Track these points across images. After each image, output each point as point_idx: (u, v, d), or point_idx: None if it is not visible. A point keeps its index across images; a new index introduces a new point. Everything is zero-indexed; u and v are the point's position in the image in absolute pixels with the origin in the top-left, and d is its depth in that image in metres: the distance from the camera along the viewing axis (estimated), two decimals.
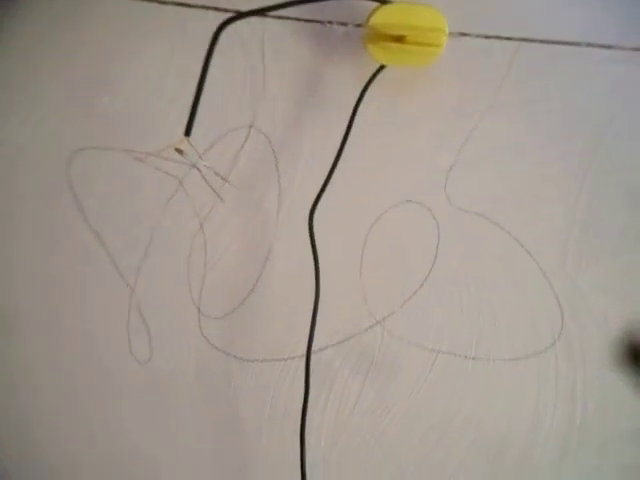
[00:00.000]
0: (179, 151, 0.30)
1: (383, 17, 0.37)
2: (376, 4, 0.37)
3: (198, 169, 0.33)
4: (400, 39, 0.37)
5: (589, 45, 0.38)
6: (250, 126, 0.38)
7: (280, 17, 0.38)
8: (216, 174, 0.34)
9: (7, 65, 0.41)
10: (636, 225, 0.40)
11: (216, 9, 0.37)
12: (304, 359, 0.38)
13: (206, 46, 0.33)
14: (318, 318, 0.38)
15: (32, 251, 0.42)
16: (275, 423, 0.41)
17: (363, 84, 0.39)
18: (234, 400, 0.41)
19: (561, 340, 0.40)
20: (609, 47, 0.39)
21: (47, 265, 0.42)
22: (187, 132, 0.31)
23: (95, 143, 0.38)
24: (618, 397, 0.39)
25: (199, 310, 0.39)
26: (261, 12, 0.34)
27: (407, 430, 0.41)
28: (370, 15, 0.37)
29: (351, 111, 0.39)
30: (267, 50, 0.40)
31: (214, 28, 0.34)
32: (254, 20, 0.39)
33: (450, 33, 0.37)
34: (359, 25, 0.38)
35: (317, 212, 0.38)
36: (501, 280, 0.40)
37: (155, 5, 0.38)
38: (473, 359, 0.40)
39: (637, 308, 0.39)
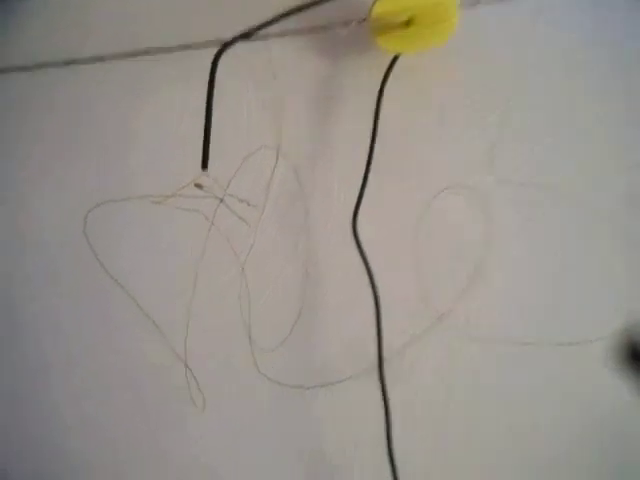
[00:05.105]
0: (199, 186, 0.29)
1: (385, 5, 0.35)
2: None
3: (222, 200, 0.32)
4: (409, 23, 0.35)
5: None
6: (273, 147, 0.37)
7: (280, 34, 0.37)
8: (244, 202, 0.33)
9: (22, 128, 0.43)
10: None
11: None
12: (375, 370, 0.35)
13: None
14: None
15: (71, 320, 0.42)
16: (362, 447, 0.38)
17: (380, 79, 0.37)
18: (313, 432, 0.39)
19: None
20: None
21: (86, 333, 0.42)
22: (204, 165, 0.30)
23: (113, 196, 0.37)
24: None
25: (252, 344, 0.37)
26: (247, 36, 0.33)
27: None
28: (371, 7, 0.35)
29: (374, 110, 0.37)
30: (277, 69, 0.39)
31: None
32: (257, 43, 0.39)
33: (461, 3, 0.35)
34: (363, 20, 0.36)
35: (360, 218, 0.36)
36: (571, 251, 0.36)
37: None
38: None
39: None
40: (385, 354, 0.36)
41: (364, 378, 0.36)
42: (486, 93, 0.37)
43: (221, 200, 0.31)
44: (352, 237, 0.35)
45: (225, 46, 0.32)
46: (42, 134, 0.42)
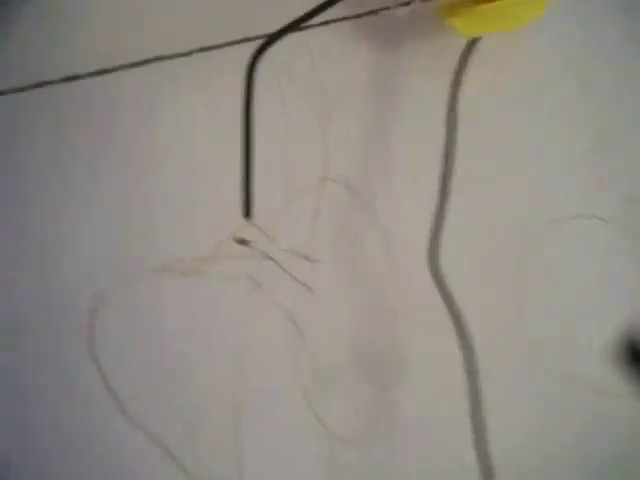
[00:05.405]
0: (243, 242, 0.22)
1: None
2: None
3: (272, 259, 0.24)
4: None
5: None
6: (323, 174, 0.29)
7: (324, 23, 0.30)
8: (298, 256, 0.25)
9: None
10: None
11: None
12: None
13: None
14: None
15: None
16: None
17: (453, 72, 0.29)
18: None
19: None
20: None
21: None
22: (247, 212, 0.23)
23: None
24: None
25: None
26: (292, 29, 0.26)
27: None
28: None
29: (446, 110, 0.29)
30: (320, 68, 0.31)
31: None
32: (294, 36, 0.31)
33: None
34: None
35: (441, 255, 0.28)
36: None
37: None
38: None
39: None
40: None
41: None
42: (595, 86, 0.29)
43: (272, 259, 0.24)
44: (432, 277, 0.28)
45: (266, 45, 0.25)
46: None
